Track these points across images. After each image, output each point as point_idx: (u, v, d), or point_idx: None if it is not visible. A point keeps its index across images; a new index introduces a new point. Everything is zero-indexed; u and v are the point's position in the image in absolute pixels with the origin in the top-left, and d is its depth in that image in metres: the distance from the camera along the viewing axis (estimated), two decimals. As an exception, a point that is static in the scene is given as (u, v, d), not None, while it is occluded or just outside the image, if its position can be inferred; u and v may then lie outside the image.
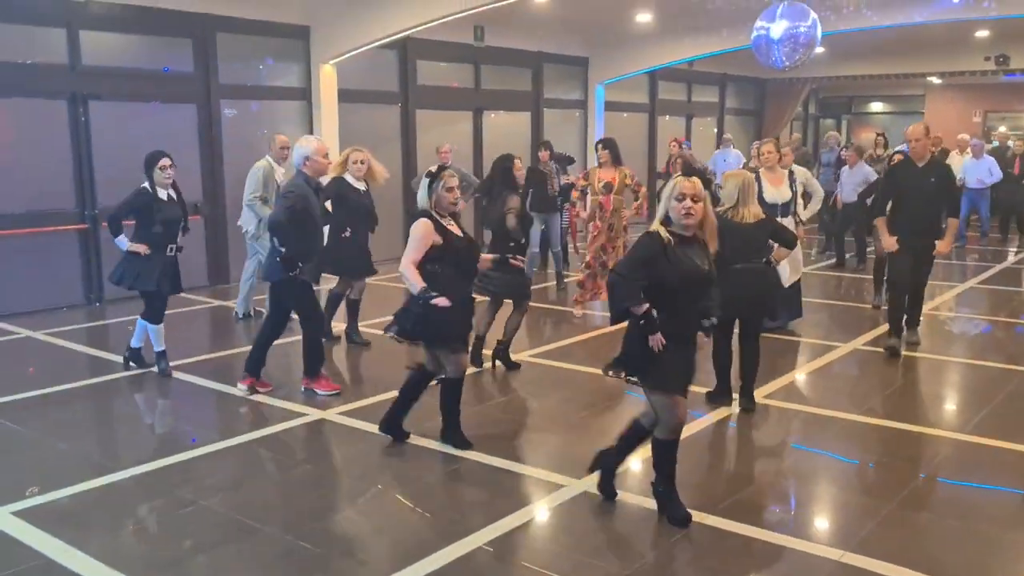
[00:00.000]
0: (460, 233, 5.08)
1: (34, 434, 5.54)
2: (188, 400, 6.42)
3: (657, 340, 3.97)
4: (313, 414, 5.84)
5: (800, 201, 8.17)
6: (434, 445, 5.23)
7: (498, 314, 6.89)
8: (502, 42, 13.93)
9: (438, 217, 5.01)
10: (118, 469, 4.90)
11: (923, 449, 5.34)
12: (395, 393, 5.32)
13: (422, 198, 5.05)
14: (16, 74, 8.90)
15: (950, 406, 6.40)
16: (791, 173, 8.06)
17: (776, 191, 7.76)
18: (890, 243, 7.18)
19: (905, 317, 7.45)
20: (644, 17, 13.45)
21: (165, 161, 6.49)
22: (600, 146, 8.73)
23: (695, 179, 4.00)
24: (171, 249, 6.56)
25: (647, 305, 3.98)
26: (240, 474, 4.94)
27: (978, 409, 6.00)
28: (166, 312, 6.73)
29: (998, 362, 7.16)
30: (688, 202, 3.95)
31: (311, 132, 11.46)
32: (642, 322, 4.00)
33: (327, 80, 11.39)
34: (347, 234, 7.24)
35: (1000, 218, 15.16)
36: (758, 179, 7.41)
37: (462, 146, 13.58)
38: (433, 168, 5.13)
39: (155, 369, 6.75)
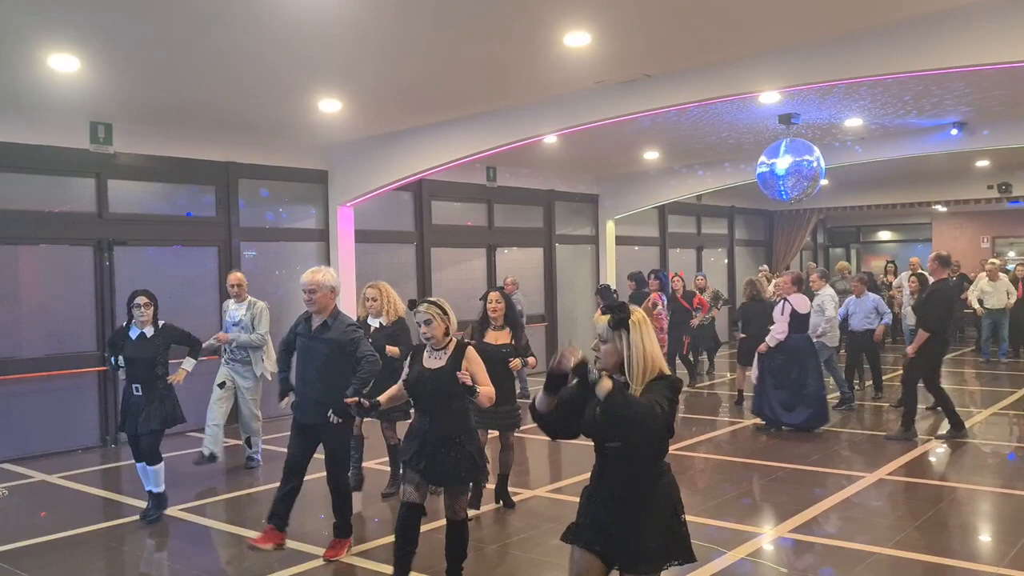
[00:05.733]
0: (433, 365, 4.89)
1: (42, 582, 5.41)
2: (200, 544, 6.29)
3: None
4: (321, 555, 5.70)
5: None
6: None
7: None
8: (514, 181, 14.39)
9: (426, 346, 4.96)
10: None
11: (959, 584, 5.13)
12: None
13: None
14: (43, 222, 9.23)
15: (984, 537, 6.18)
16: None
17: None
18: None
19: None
20: (652, 154, 13.90)
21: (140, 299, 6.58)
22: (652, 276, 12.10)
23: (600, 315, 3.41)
24: (136, 389, 6.53)
25: None
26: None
27: (1014, 540, 5.78)
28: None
29: (1030, 490, 6.97)
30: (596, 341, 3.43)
31: (328, 271, 11.68)
32: None
33: (345, 221, 11.71)
34: None
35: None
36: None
37: (476, 282, 13.80)
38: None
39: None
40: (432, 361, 4.88)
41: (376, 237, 12.38)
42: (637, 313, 3.32)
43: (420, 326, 4.86)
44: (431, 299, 4.93)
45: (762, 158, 10.49)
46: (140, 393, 6.48)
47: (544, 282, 15.20)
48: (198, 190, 10.60)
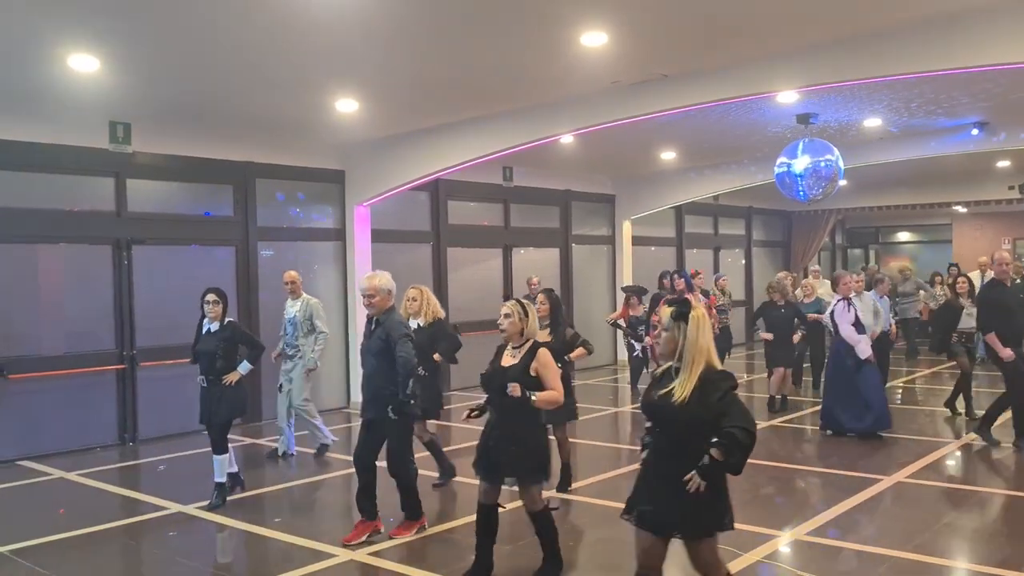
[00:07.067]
0: (508, 363, 5.13)
1: (61, 578, 5.45)
2: (216, 541, 6.32)
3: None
4: (341, 555, 5.71)
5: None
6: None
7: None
8: (530, 181, 14.37)
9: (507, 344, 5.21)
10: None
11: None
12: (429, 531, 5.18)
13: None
14: (62, 221, 9.29)
15: (1006, 541, 6.10)
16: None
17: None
18: (1008, 354, 8.12)
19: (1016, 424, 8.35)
20: (668, 155, 13.84)
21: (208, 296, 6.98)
22: (676, 276, 11.15)
23: (663, 308, 3.88)
24: (203, 381, 6.93)
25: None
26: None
27: (1035, 545, 5.71)
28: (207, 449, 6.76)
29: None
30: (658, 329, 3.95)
31: (345, 271, 11.74)
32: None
33: (361, 221, 11.74)
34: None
35: None
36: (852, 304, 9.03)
37: (492, 282, 13.80)
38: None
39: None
40: (508, 359, 5.13)
41: (392, 237, 12.39)
42: (699, 309, 3.74)
43: (500, 318, 5.15)
44: (522, 300, 5.25)
45: (780, 158, 10.43)
46: (206, 385, 6.91)
47: (560, 282, 15.17)
48: (216, 189, 10.65)
